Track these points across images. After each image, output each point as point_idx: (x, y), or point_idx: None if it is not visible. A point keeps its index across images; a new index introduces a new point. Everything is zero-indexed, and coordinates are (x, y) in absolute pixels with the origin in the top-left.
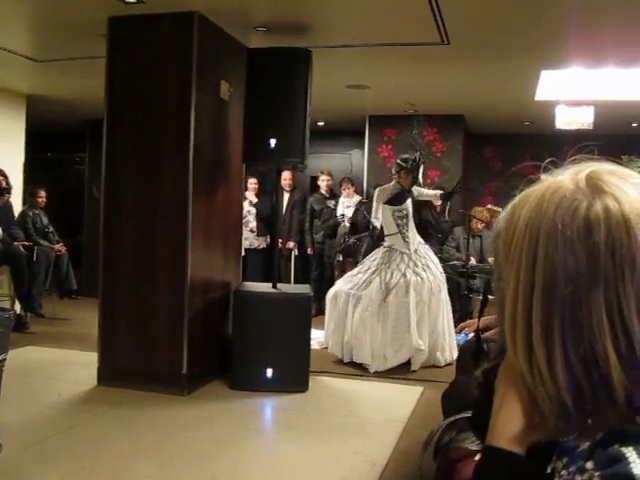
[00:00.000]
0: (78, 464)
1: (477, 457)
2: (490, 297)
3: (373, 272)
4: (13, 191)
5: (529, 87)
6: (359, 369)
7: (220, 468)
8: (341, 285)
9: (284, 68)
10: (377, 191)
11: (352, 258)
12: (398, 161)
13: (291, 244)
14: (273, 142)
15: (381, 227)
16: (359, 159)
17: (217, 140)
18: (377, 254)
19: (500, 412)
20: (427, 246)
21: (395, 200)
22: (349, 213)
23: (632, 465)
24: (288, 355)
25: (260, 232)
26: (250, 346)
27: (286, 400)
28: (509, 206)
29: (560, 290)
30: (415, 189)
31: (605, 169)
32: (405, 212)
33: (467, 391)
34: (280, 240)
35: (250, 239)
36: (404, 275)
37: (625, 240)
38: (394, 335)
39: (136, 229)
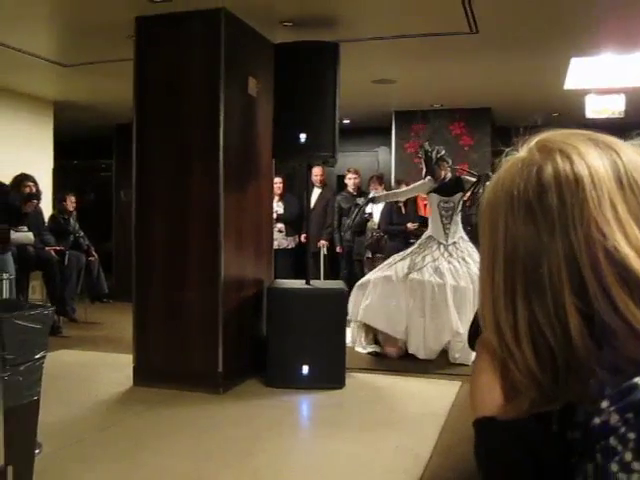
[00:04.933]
0: (117, 463)
1: None
2: None
3: (407, 254)
4: (42, 198)
5: (558, 76)
6: (396, 364)
7: (260, 464)
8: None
9: (312, 62)
10: (421, 181)
11: (381, 253)
12: None
13: (322, 242)
14: (303, 137)
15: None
16: (386, 156)
17: (246, 137)
18: (417, 243)
19: (476, 386)
20: (470, 244)
21: (441, 191)
22: (378, 209)
23: None
24: (324, 351)
25: (288, 232)
26: (285, 343)
27: (323, 396)
28: None
29: (520, 255)
30: (466, 180)
31: (556, 132)
32: (452, 204)
33: None
34: (304, 236)
35: (279, 239)
36: (436, 260)
37: (574, 190)
38: (433, 319)
39: (168, 228)
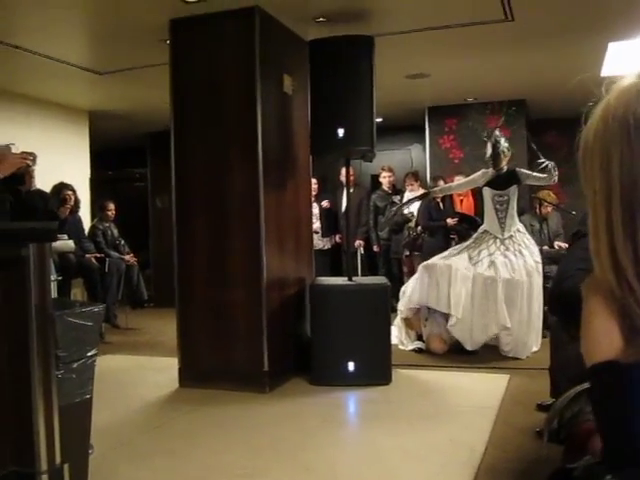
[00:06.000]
0: (169, 460)
1: None
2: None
3: (462, 250)
4: (81, 206)
5: (595, 63)
6: (441, 360)
7: (313, 458)
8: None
9: (347, 56)
10: (480, 172)
11: (418, 252)
12: None
13: (358, 242)
14: (341, 132)
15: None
16: (419, 154)
17: (283, 135)
18: (472, 237)
19: (590, 331)
20: (527, 235)
21: (495, 184)
22: (415, 207)
23: None
24: (369, 347)
25: (324, 232)
26: (329, 340)
27: (370, 392)
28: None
29: None
30: (521, 172)
31: None
32: (506, 198)
33: (579, 361)
34: (339, 236)
35: (314, 240)
36: (492, 254)
37: None
38: (482, 312)
39: (209, 229)
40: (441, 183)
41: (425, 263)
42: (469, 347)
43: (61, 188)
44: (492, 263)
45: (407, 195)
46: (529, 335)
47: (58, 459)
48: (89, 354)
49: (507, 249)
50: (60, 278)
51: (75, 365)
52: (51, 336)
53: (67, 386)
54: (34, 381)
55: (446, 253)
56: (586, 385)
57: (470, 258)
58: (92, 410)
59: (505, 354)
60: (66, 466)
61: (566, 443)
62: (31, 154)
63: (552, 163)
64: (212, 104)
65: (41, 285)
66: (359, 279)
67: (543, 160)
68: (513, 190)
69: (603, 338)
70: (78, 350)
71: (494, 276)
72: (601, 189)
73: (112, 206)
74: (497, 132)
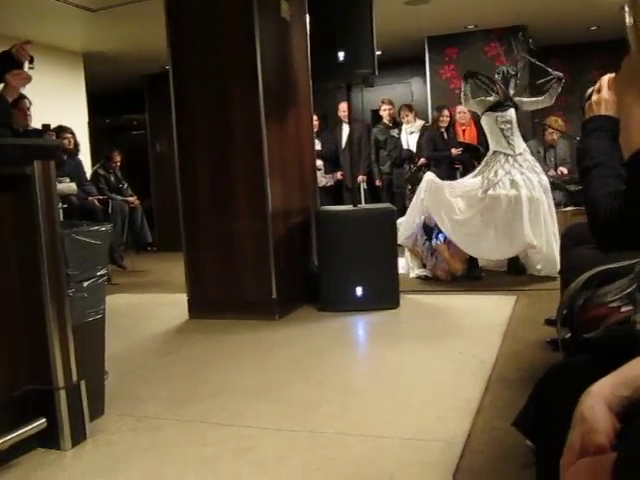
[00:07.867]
0: (183, 381)
1: (623, 309)
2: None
3: (475, 175)
4: (80, 149)
5: None
6: (448, 285)
7: (325, 373)
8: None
9: None
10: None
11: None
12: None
13: (361, 177)
14: (342, 55)
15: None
16: (420, 87)
17: (283, 62)
18: (483, 161)
19: (629, 123)
20: (530, 155)
21: (495, 107)
22: (413, 139)
23: None
24: (376, 272)
25: (327, 169)
26: (336, 266)
27: (379, 316)
28: None
29: None
30: (517, 99)
31: None
32: (509, 118)
33: (589, 258)
34: (340, 173)
35: (318, 177)
36: (508, 173)
37: None
38: (505, 232)
39: (212, 162)
40: (445, 112)
41: (432, 179)
42: (493, 268)
43: (60, 131)
44: (513, 182)
45: (404, 127)
46: (556, 251)
47: (75, 376)
48: (99, 273)
49: (521, 166)
50: (65, 206)
51: (86, 284)
52: (60, 254)
53: (79, 305)
54: (46, 299)
55: (462, 182)
56: (597, 269)
57: (488, 180)
58: (105, 330)
59: (537, 273)
60: (82, 382)
61: (579, 328)
62: (26, 42)
63: (559, 75)
64: (209, 36)
65: (48, 203)
66: (364, 205)
67: (550, 76)
68: (512, 112)
69: None
70: (88, 269)
71: (518, 195)
72: None
73: (118, 158)
74: (503, 67)
